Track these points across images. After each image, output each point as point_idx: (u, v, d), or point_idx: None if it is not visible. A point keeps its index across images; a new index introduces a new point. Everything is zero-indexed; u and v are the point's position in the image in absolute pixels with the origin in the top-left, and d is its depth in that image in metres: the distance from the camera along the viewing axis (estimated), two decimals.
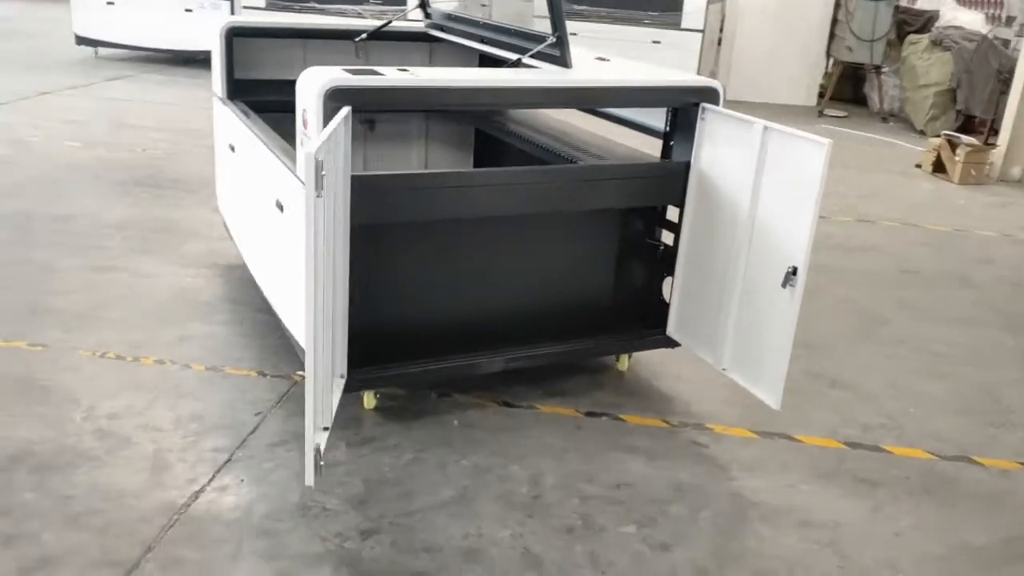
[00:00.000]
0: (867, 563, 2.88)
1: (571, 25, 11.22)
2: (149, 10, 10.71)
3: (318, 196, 2.47)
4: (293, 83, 3.12)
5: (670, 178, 3.63)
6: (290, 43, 4.81)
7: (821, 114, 10.83)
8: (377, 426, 3.46)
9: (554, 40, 3.52)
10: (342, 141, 2.92)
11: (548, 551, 2.82)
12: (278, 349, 3.96)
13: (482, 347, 3.59)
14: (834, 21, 10.98)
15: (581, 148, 3.98)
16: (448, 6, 4.72)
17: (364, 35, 4.63)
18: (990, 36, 9.84)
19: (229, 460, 3.19)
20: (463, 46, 4.46)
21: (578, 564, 2.77)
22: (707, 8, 10.36)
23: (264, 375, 3.79)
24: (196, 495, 2.99)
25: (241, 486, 3.05)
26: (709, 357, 3.60)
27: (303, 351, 2.75)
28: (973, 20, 10.39)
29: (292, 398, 3.59)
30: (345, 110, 2.90)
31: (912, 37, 10.43)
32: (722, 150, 3.45)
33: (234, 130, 4.25)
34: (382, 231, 3.38)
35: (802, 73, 11.43)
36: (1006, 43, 10.03)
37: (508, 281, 3.73)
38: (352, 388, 3.30)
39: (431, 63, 5.11)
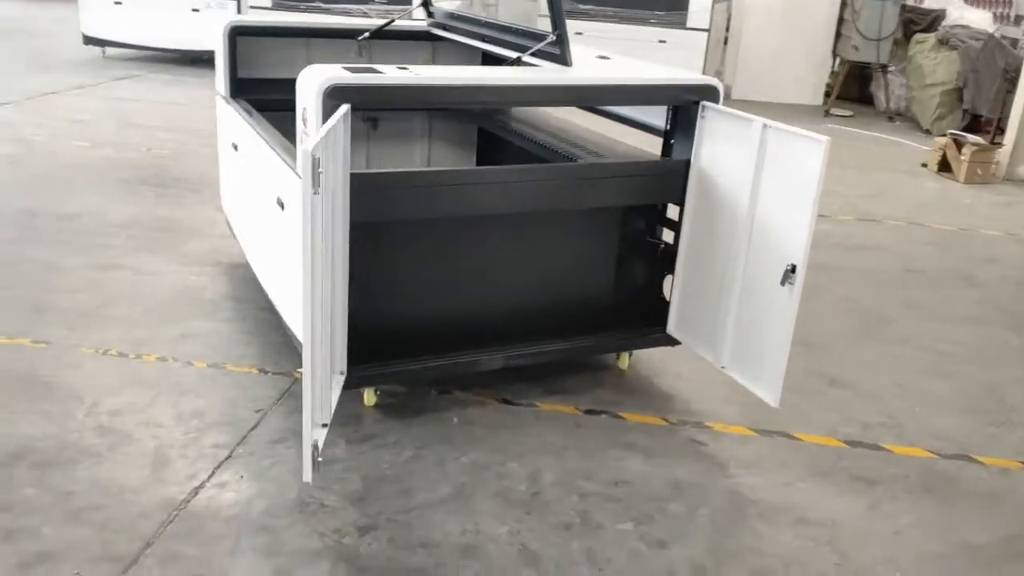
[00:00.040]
0: (865, 561, 2.88)
1: (577, 24, 11.29)
2: (156, 10, 10.75)
3: (315, 193, 2.48)
4: (295, 82, 3.13)
5: (670, 176, 3.63)
6: (293, 42, 4.82)
7: (827, 113, 10.81)
8: (377, 423, 3.47)
9: (554, 38, 3.53)
10: (341, 139, 2.93)
11: (545, 548, 2.83)
12: (280, 346, 3.97)
13: (482, 344, 3.59)
14: (840, 20, 10.95)
15: (584, 147, 3.98)
16: (450, 5, 4.73)
17: (366, 34, 4.65)
18: (997, 35, 9.80)
19: (229, 457, 3.20)
20: (465, 45, 4.47)
21: (575, 561, 2.78)
22: (713, 7, 10.35)
23: (266, 372, 3.81)
24: (196, 491, 3.00)
25: (241, 482, 3.07)
26: (709, 355, 3.61)
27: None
28: (981, 19, 10.36)
29: (293, 395, 3.61)
30: (344, 108, 2.91)
31: (919, 36, 10.40)
32: (722, 148, 3.45)
33: (236, 129, 4.27)
34: (382, 229, 3.40)
35: (808, 72, 11.40)
36: (1014, 42, 9.99)
37: (508, 279, 3.74)
38: (352, 385, 3.31)
39: (434, 62, 5.12)
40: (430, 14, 4.87)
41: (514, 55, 3.71)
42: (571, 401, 3.71)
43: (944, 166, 8.14)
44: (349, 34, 4.71)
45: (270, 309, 3.97)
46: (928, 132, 9.87)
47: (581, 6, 10.76)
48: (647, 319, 3.89)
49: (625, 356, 4.01)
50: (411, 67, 3.27)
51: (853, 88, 11.39)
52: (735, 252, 3.40)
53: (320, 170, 2.48)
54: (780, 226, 3.21)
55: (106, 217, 5.54)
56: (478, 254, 3.68)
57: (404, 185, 3.28)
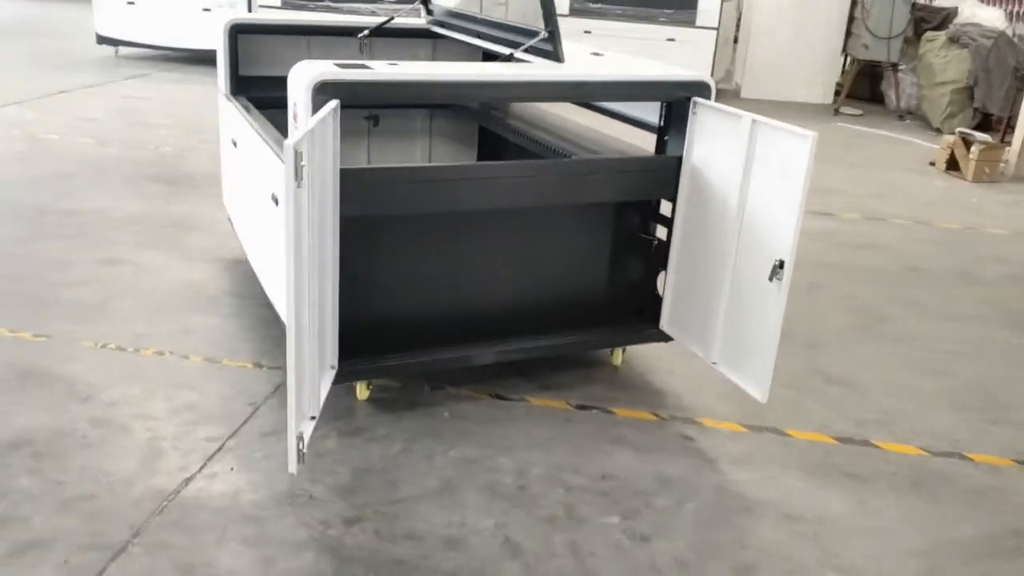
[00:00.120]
0: (848, 556, 2.88)
1: (586, 23, 11.30)
2: (168, 9, 10.85)
3: (298, 186, 2.51)
4: None
5: (663, 172, 3.64)
6: (294, 40, 4.87)
7: (837, 112, 10.77)
8: (368, 417, 3.50)
9: (546, 35, 3.54)
10: (330, 134, 2.96)
11: (528, 540, 2.85)
12: (277, 341, 4.01)
13: (475, 340, 3.62)
14: (850, 19, 10.91)
15: (582, 144, 3.99)
16: (450, 2, 4.75)
17: (366, 31, 4.68)
18: (1008, 33, 9.73)
19: (220, 449, 3.24)
20: (465, 42, 4.49)
21: (557, 554, 2.80)
22: (722, 6, 10.34)
23: (261, 367, 3.85)
24: (186, 482, 3.04)
25: (231, 474, 3.10)
26: (700, 351, 3.61)
27: None
28: (993, 17, 10.28)
29: (286, 390, 3.63)
30: (333, 103, 2.94)
31: (929, 34, 10.35)
32: (713, 144, 3.46)
33: (236, 126, 4.32)
34: (375, 224, 3.43)
35: (818, 71, 11.36)
36: None
37: (502, 274, 3.76)
38: (342, 379, 3.34)
39: (434, 59, 5.16)
40: (429, 12, 4.90)
41: (507, 52, 3.73)
42: (563, 396, 3.73)
43: (952, 165, 8.09)
44: (350, 32, 4.75)
45: (268, 305, 4.01)
46: (938, 131, 9.81)
47: (590, 4, 10.76)
48: (640, 315, 3.90)
49: (618, 352, 4.02)
50: (401, 63, 3.30)
51: (864, 87, 11.34)
52: (725, 248, 3.41)
53: (303, 163, 2.51)
54: (769, 222, 3.22)
55: (111, 213, 5.61)
56: (471, 249, 3.70)
57: (395, 181, 3.31)
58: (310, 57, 4.61)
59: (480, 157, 5.23)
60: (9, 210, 5.55)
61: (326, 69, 3.03)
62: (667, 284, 3.75)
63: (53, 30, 13.34)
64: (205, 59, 10.86)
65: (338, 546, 2.77)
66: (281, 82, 3.21)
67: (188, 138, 7.56)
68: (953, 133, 8.38)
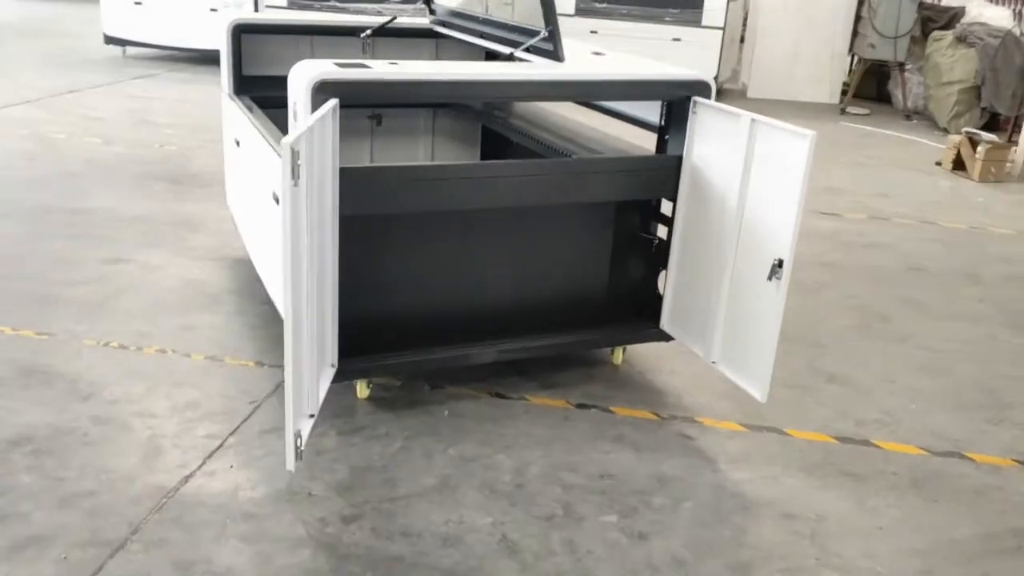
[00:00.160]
0: (846, 555, 2.88)
1: (592, 23, 11.30)
2: (175, 10, 10.89)
3: (295, 185, 2.52)
4: None
5: (663, 172, 3.64)
6: (297, 39, 4.88)
7: (843, 112, 10.74)
8: (368, 415, 3.51)
9: (546, 35, 3.55)
10: (329, 133, 2.97)
11: (526, 538, 2.85)
12: (279, 340, 3.94)
13: (474, 339, 3.62)
14: (857, 18, 10.87)
15: (586, 145, 3.99)
16: (453, 2, 4.76)
17: (369, 31, 4.70)
18: (1015, 32, 9.69)
19: (220, 446, 3.26)
20: (468, 42, 4.50)
21: (555, 552, 2.80)
22: (728, 5, 10.32)
23: (262, 365, 3.86)
24: (186, 479, 3.06)
25: (230, 471, 3.12)
26: (700, 350, 3.61)
27: None
28: (1000, 16, 10.24)
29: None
30: (332, 102, 2.95)
31: (936, 34, 10.31)
32: (712, 143, 3.46)
33: (238, 125, 4.33)
34: (375, 223, 3.44)
35: (825, 71, 11.33)
36: None
37: (502, 273, 3.77)
38: (342, 377, 3.36)
39: (437, 59, 5.16)
40: (432, 11, 4.91)
41: (508, 51, 3.74)
42: (562, 395, 3.74)
43: (959, 164, 8.07)
44: (353, 31, 4.77)
45: (271, 303, 4.02)
46: (945, 131, 9.77)
47: (596, 4, 10.76)
48: (641, 314, 3.90)
49: (619, 351, 4.02)
50: (401, 63, 3.31)
51: (870, 86, 11.31)
52: (725, 247, 3.41)
53: (300, 162, 2.52)
54: (768, 221, 3.22)
55: (117, 212, 5.63)
56: (472, 248, 3.71)
57: (395, 180, 3.31)
58: (313, 57, 4.64)
59: (483, 156, 5.23)
60: (15, 209, 5.59)
61: (326, 68, 3.04)
62: (667, 283, 3.75)
63: (61, 30, 13.40)
64: (212, 59, 10.86)
65: (335, 543, 2.78)
66: (284, 82, 3.22)
67: (194, 137, 7.59)
68: (960, 133, 8.35)
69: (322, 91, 2.99)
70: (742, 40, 12.12)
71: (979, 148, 7.85)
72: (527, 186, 3.49)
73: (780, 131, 3.13)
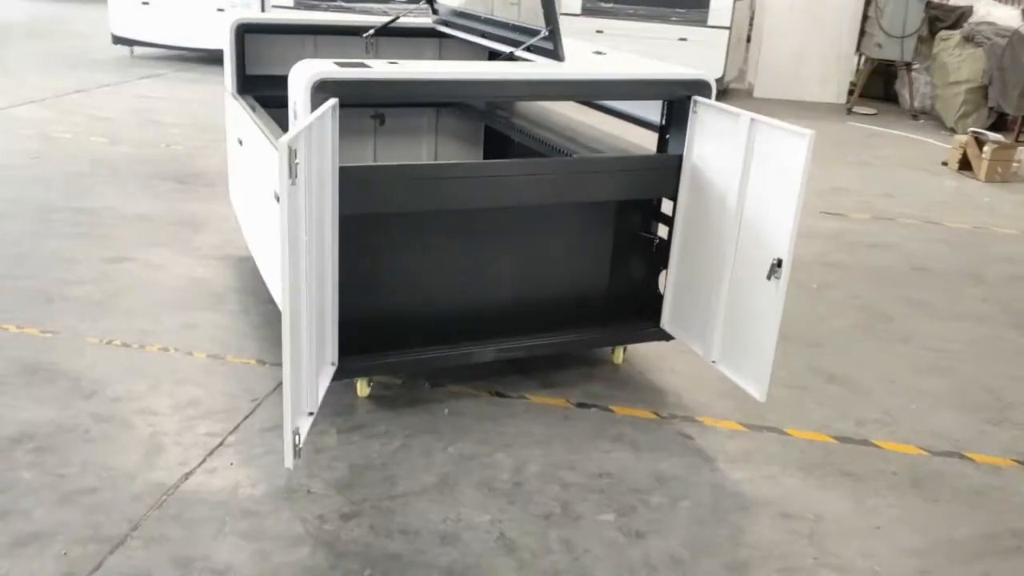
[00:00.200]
0: (843, 555, 2.87)
1: (598, 23, 11.28)
2: (182, 10, 10.93)
3: (292, 184, 2.53)
4: None
5: (663, 171, 3.64)
6: (301, 39, 4.90)
7: (850, 112, 10.71)
8: (368, 414, 3.53)
9: (547, 34, 3.55)
10: (328, 132, 2.98)
11: (523, 536, 2.86)
12: (281, 339, 4.02)
13: (475, 337, 3.63)
14: (864, 17, 10.85)
15: (588, 144, 4.00)
16: (455, 2, 4.77)
17: (372, 31, 4.71)
18: (1023, 31, 9.64)
19: (221, 444, 3.27)
20: (471, 42, 4.51)
21: (552, 550, 2.81)
22: (734, 5, 10.30)
23: (264, 363, 3.88)
24: (186, 476, 3.07)
25: (230, 469, 3.13)
26: (700, 350, 3.61)
27: None
28: (1009, 16, 10.20)
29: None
30: (331, 101, 2.96)
31: (943, 33, 10.28)
32: (713, 143, 3.46)
33: (241, 124, 4.35)
34: (376, 221, 3.45)
35: (831, 70, 11.30)
36: None
37: (502, 272, 3.77)
38: (342, 376, 3.37)
39: (440, 58, 5.18)
40: (435, 11, 4.92)
41: (508, 51, 3.75)
42: (562, 394, 3.74)
43: (965, 164, 8.04)
44: (356, 31, 4.78)
45: (273, 302, 4.04)
46: (952, 130, 9.74)
47: (603, 4, 10.75)
48: (641, 314, 3.91)
49: (619, 350, 4.02)
50: (401, 62, 3.32)
51: (878, 86, 11.28)
52: (724, 246, 3.41)
53: (297, 161, 2.53)
54: (767, 220, 3.22)
55: (121, 212, 5.66)
56: (473, 247, 3.72)
57: (394, 179, 3.32)
58: (317, 56, 4.66)
59: (486, 156, 5.24)
60: (20, 208, 5.61)
61: (325, 68, 3.06)
62: (668, 283, 3.76)
63: (70, 30, 13.47)
64: (219, 59, 10.84)
65: (334, 541, 2.80)
66: (287, 81, 3.24)
67: (201, 137, 7.62)
68: (966, 133, 8.33)
69: (322, 90, 3.01)
70: (749, 40, 12.10)
71: (985, 148, 7.82)
72: (527, 185, 3.50)
73: (779, 130, 3.13)
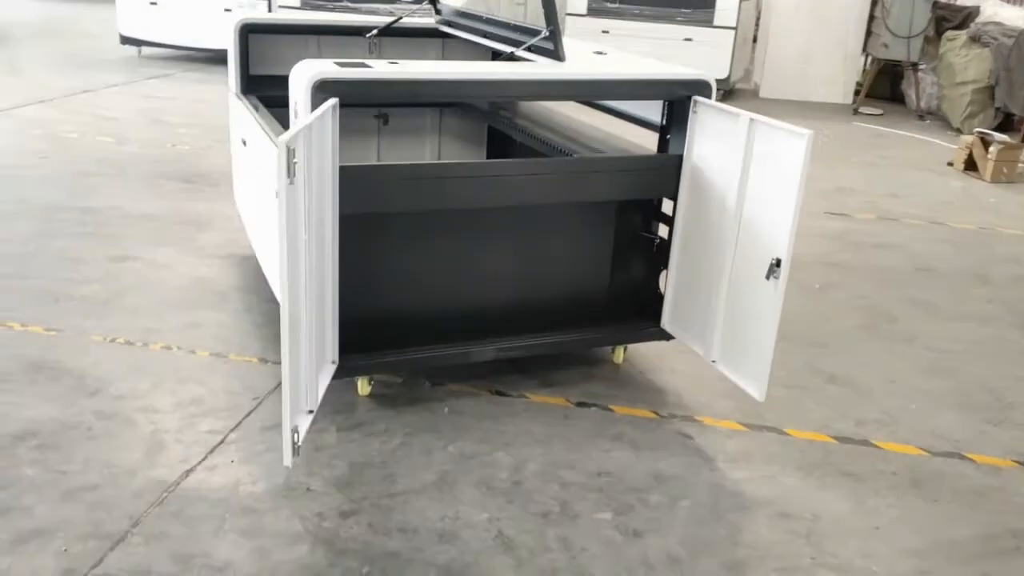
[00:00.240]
0: (841, 555, 2.88)
1: (604, 23, 11.25)
2: (190, 10, 10.97)
3: (290, 183, 2.55)
4: None
5: (664, 171, 3.65)
6: (305, 39, 4.92)
7: (856, 112, 10.69)
8: (369, 412, 3.54)
9: (547, 34, 3.56)
10: (328, 131, 3.00)
11: (521, 535, 2.87)
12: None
13: (475, 336, 3.65)
14: (871, 17, 10.82)
15: (589, 144, 4.00)
16: (458, 2, 4.78)
17: (375, 31, 4.73)
18: None
19: (222, 442, 3.29)
20: (474, 42, 4.52)
21: (549, 548, 2.82)
22: (740, 5, 10.29)
23: (266, 362, 3.90)
24: (187, 474, 3.09)
25: (231, 467, 3.15)
26: (700, 349, 3.62)
27: None
28: (1015, 16, 10.16)
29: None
30: (331, 101, 2.98)
31: (950, 33, 10.25)
32: (712, 142, 3.46)
33: (245, 124, 4.37)
34: (377, 221, 3.46)
35: (838, 71, 11.28)
36: None
37: (503, 271, 3.78)
38: (343, 374, 3.39)
39: (444, 58, 5.19)
40: (438, 11, 4.93)
41: (509, 50, 3.76)
42: (563, 393, 3.75)
43: (970, 165, 8.02)
44: (360, 31, 4.79)
45: (276, 300, 4.05)
46: (959, 131, 9.70)
47: (608, 4, 10.75)
48: (642, 313, 3.91)
49: (620, 350, 4.03)
50: (402, 62, 3.34)
51: (884, 86, 11.25)
52: (724, 246, 3.41)
53: (295, 160, 2.54)
54: (766, 220, 3.22)
55: (127, 211, 5.69)
56: (474, 246, 3.73)
57: (394, 178, 3.34)
58: (320, 56, 4.68)
59: (489, 156, 5.25)
60: (28, 208, 5.65)
61: (325, 68, 3.07)
62: (668, 282, 3.76)
63: (78, 30, 13.53)
64: (226, 59, 11.00)
65: (333, 538, 2.81)
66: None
67: (207, 137, 7.64)
68: (972, 133, 8.30)
69: (322, 90, 3.02)
70: (755, 40, 12.08)
71: (991, 148, 7.80)
72: (528, 185, 3.51)
73: (778, 130, 3.14)
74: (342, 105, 3.07)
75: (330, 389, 3.31)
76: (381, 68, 3.20)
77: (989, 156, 7.77)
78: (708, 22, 10.38)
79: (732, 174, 3.35)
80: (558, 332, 3.76)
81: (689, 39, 10.36)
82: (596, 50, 4.05)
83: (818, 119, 9.95)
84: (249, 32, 4.65)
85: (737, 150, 3.30)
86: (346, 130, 3.10)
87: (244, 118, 4.38)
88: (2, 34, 12.59)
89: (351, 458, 3.23)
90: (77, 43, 12.33)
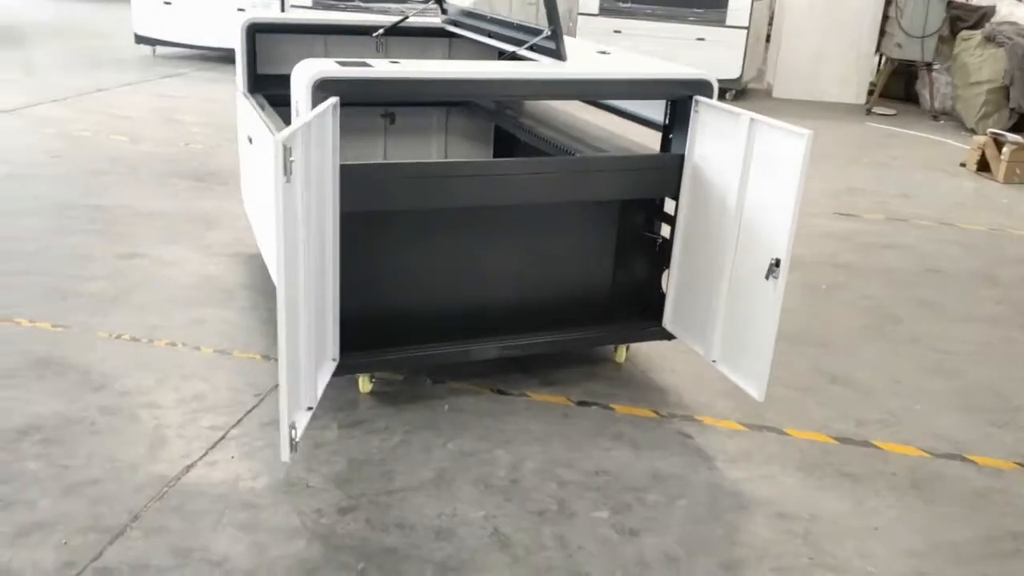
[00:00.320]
0: (839, 555, 2.87)
1: (616, 23, 11.24)
2: (204, 9, 11.04)
3: (287, 181, 2.57)
4: None
5: (666, 170, 3.65)
6: (312, 39, 4.94)
7: (869, 112, 10.63)
8: (370, 409, 3.56)
9: (549, 33, 3.57)
10: (329, 130, 3.02)
11: (517, 533, 2.88)
12: None
13: (477, 335, 3.66)
14: (884, 17, 10.76)
15: (592, 144, 4.01)
16: (464, 2, 4.79)
17: (381, 30, 4.75)
18: None
19: (223, 438, 3.32)
20: (480, 41, 4.53)
21: (545, 546, 2.83)
22: (753, 5, 10.26)
23: (269, 359, 3.92)
24: (187, 469, 3.12)
25: (231, 462, 3.17)
26: (701, 349, 3.62)
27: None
28: None
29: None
30: (331, 100, 3.00)
31: (964, 33, 10.18)
32: (714, 142, 3.46)
33: (250, 123, 4.40)
34: (379, 219, 3.48)
35: (851, 71, 11.22)
36: None
37: (505, 270, 3.79)
38: (344, 371, 3.40)
39: (450, 58, 5.21)
40: (444, 11, 4.95)
41: (511, 50, 3.77)
42: (563, 392, 3.76)
43: (983, 166, 7.97)
44: (367, 31, 4.81)
45: None
46: (972, 131, 9.63)
47: (620, 4, 10.73)
48: (644, 313, 3.91)
49: (622, 349, 4.03)
50: (403, 61, 3.35)
51: (898, 87, 11.19)
52: (725, 246, 3.41)
53: (292, 159, 2.56)
54: (766, 220, 3.22)
55: (137, 209, 5.74)
56: (476, 245, 3.74)
57: (395, 177, 3.36)
58: (327, 56, 4.71)
59: (495, 155, 5.26)
60: (40, 205, 5.71)
61: (326, 67, 3.09)
62: (670, 282, 3.76)
63: (93, 30, 13.64)
64: None
65: (329, 534, 2.83)
66: None
67: (220, 136, 7.69)
68: (986, 134, 8.25)
69: (323, 89, 3.04)
70: (768, 40, 12.04)
71: (1004, 149, 7.75)
72: (531, 184, 3.51)
73: (778, 130, 3.13)
74: (345, 104, 3.08)
75: (332, 386, 3.33)
76: (382, 67, 3.22)
77: (1002, 157, 7.71)
78: (721, 22, 10.36)
79: (733, 174, 3.34)
80: (560, 331, 3.76)
81: (702, 39, 10.34)
82: (600, 49, 4.05)
83: (831, 119, 9.91)
84: (256, 32, 4.68)
85: (738, 150, 3.30)
86: (353, 129, 3.12)
87: (250, 117, 4.41)
88: (17, 34, 12.71)
89: (351, 455, 3.25)
90: (91, 42, 12.43)
